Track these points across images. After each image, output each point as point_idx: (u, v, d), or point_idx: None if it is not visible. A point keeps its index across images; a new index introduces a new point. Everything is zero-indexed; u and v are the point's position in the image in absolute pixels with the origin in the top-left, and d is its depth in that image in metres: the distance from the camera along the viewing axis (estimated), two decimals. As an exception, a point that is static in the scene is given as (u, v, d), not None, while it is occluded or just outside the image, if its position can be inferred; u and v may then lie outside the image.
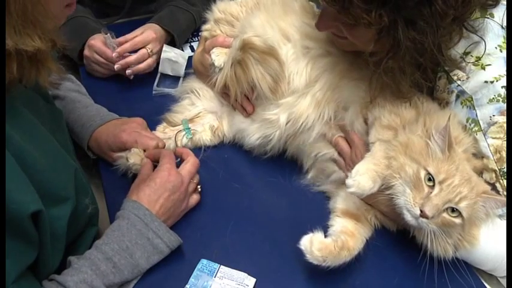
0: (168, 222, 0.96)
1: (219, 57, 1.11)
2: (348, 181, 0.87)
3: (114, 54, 1.30)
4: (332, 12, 0.89)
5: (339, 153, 1.05)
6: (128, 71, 1.32)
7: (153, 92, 1.35)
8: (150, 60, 1.35)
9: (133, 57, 1.32)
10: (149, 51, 1.34)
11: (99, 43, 1.32)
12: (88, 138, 1.10)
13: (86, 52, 1.34)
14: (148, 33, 1.35)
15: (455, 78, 0.95)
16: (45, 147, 0.78)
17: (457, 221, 0.84)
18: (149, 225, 0.90)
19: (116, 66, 1.31)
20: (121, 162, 1.07)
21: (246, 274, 0.92)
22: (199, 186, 1.05)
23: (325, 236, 0.91)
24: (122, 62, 1.31)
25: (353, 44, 0.95)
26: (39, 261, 0.77)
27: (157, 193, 0.94)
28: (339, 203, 1.02)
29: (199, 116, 1.21)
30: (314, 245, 0.86)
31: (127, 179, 1.08)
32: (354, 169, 0.88)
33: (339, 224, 0.96)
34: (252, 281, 0.91)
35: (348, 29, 0.91)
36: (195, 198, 1.04)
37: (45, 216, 0.73)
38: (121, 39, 1.33)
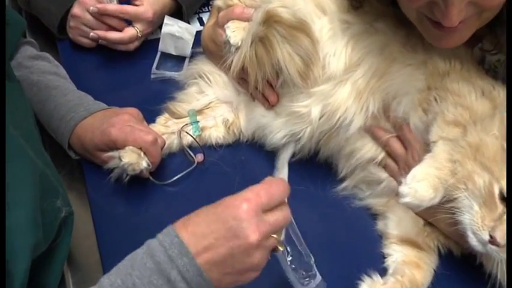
0: (213, 275, 0.66)
1: (235, 33, 0.99)
2: (402, 189, 0.78)
3: (91, 9, 1.17)
4: None
5: (390, 156, 0.95)
6: (101, 41, 1.22)
7: (152, 76, 1.23)
8: (132, 45, 1.23)
9: (117, 36, 1.21)
10: (138, 33, 1.22)
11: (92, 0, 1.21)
12: (69, 134, 0.99)
13: (76, 11, 1.21)
14: (145, 8, 1.22)
15: None
16: None
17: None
18: (175, 260, 0.65)
19: (91, 34, 1.20)
20: (113, 163, 0.96)
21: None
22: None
23: (382, 270, 0.83)
24: (101, 34, 1.20)
25: (472, 26, 0.84)
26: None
27: (210, 226, 0.68)
28: (391, 228, 0.94)
29: (210, 107, 1.09)
30: None
31: (118, 184, 0.98)
32: (410, 174, 0.80)
33: (398, 253, 0.89)
34: None
35: None
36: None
37: None
38: None
